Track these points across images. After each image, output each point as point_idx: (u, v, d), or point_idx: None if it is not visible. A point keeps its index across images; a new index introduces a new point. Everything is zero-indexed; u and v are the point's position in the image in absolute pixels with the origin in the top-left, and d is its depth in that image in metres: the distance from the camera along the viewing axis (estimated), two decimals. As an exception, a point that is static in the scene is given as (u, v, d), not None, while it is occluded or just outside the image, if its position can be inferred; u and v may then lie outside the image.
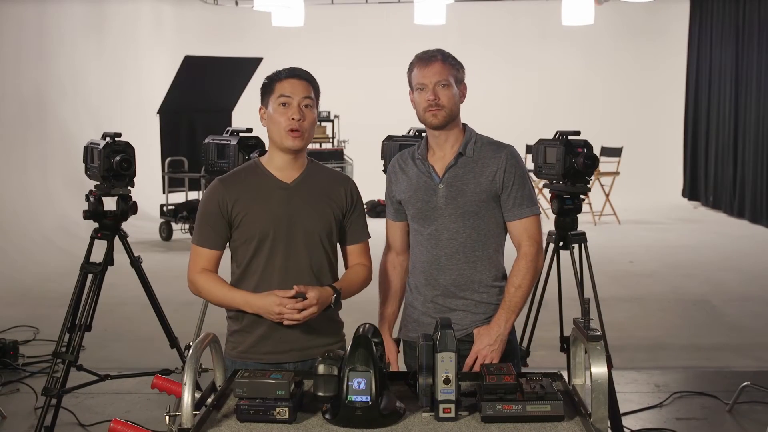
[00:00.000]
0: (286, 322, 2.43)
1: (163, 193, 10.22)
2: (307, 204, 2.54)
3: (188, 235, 9.63)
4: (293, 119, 2.47)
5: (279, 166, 2.55)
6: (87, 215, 4.14)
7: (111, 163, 4.06)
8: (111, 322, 5.91)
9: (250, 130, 4.23)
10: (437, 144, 2.65)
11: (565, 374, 2.34)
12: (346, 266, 2.68)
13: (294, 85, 2.50)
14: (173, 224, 9.87)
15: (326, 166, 2.72)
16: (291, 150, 2.52)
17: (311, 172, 2.60)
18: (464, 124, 2.68)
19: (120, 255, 4.11)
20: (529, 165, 3.66)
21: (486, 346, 2.56)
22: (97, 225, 4.14)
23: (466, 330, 2.61)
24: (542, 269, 2.79)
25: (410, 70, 2.64)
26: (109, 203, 4.13)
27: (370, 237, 2.71)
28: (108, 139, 4.11)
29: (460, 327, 2.59)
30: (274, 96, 2.50)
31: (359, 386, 1.97)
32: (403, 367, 2.75)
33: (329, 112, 11.87)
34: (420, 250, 2.67)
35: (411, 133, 3.99)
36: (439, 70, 2.56)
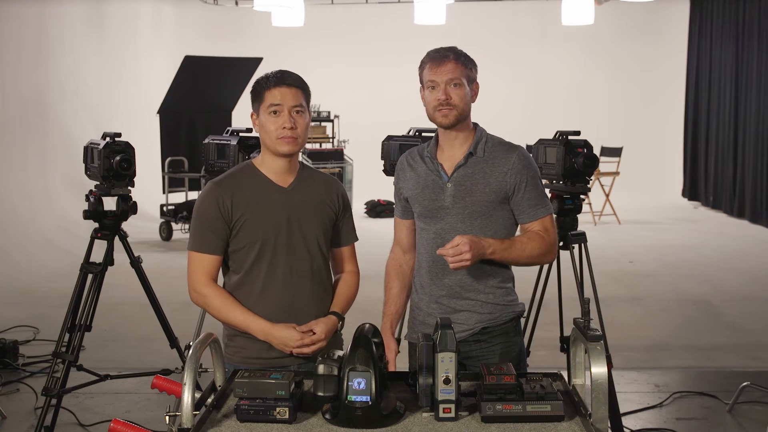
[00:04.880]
0: (295, 353, 2.48)
1: (163, 193, 10.22)
2: (305, 209, 2.54)
3: (188, 235, 9.60)
4: (284, 128, 2.46)
5: (274, 169, 2.54)
6: (87, 215, 4.14)
7: (111, 163, 4.06)
8: (111, 322, 5.91)
9: (250, 130, 4.22)
10: (447, 142, 2.62)
11: (565, 374, 2.34)
12: (335, 270, 2.69)
13: (283, 93, 2.47)
14: (173, 224, 9.86)
15: (316, 170, 2.72)
16: (285, 155, 2.51)
17: (304, 177, 2.59)
18: (475, 124, 2.65)
19: (120, 255, 4.11)
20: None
21: (463, 252, 2.38)
22: (97, 225, 4.14)
23: (472, 330, 2.60)
24: (551, 261, 2.78)
25: (422, 68, 2.60)
26: (109, 203, 4.13)
27: (357, 239, 2.72)
28: (108, 139, 4.11)
29: (466, 327, 2.59)
30: (264, 105, 2.48)
31: (359, 386, 1.97)
32: (404, 368, 2.74)
33: (329, 112, 11.86)
34: (426, 249, 2.64)
35: (411, 133, 4.01)
36: (451, 69, 2.53)
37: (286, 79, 2.49)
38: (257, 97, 2.51)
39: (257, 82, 2.53)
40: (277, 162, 2.54)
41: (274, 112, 2.47)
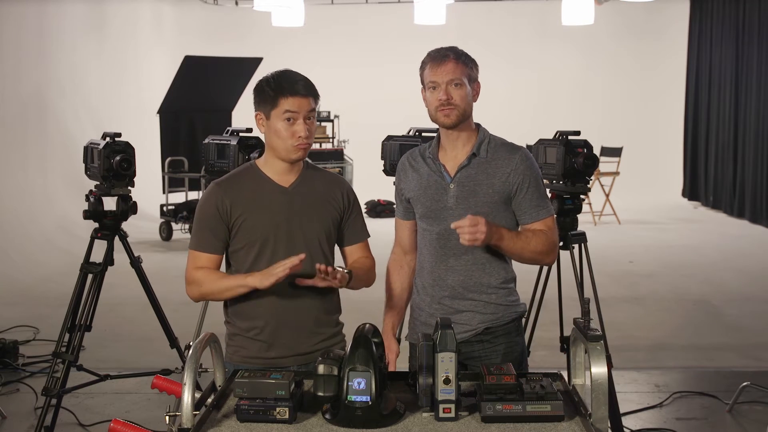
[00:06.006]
0: (281, 275, 2.36)
1: (163, 193, 10.22)
2: (306, 208, 2.53)
3: (188, 235, 9.62)
4: (300, 137, 2.46)
5: (277, 170, 2.54)
6: (87, 215, 4.14)
7: (111, 163, 4.06)
8: (111, 322, 5.91)
9: (250, 130, 4.23)
10: (449, 143, 2.62)
11: (565, 374, 2.34)
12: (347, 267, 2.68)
13: (300, 103, 2.46)
14: (173, 224, 9.87)
15: (321, 169, 2.70)
16: (296, 161, 2.52)
17: (307, 176, 2.58)
18: (477, 124, 2.65)
19: (120, 255, 4.11)
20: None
21: (480, 224, 2.40)
22: (97, 225, 4.14)
23: (474, 330, 2.59)
24: (551, 263, 2.78)
25: (422, 68, 2.60)
26: (109, 203, 4.13)
27: (369, 236, 2.71)
28: (108, 139, 4.11)
29: (469, 327, 2.59)
30: (278, 110, 2.46)
31: (359, 386, 1.97)
32: (404, 369, 2.73)
33: (329, 112, 11.87)
34: (428, 249, 2.64)
35: (411, 133, 4.00)
36: (452, 69, 2.53)
37: (300, 89, 2.47)
38: (268, 101, 2.48)
39: (266, 83, 2.49)
40: (280, 163, 2.54)
41: (289, 119, 2.46)
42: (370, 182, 8.35)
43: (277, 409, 1.99)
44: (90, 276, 4.06)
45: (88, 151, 4.22)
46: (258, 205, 2.51)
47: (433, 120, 2.60)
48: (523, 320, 2.79)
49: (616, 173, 11.20)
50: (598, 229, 10.31)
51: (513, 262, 2.67)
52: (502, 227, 2.50)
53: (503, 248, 2.52)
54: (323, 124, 11.94)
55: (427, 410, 2.02)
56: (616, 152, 11.33)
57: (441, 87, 2.53)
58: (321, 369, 2.03)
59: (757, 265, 8.35)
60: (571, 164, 3.87)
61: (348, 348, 2.07)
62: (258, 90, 2.52)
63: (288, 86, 2.46)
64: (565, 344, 3.85)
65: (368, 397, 1.97)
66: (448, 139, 2.62)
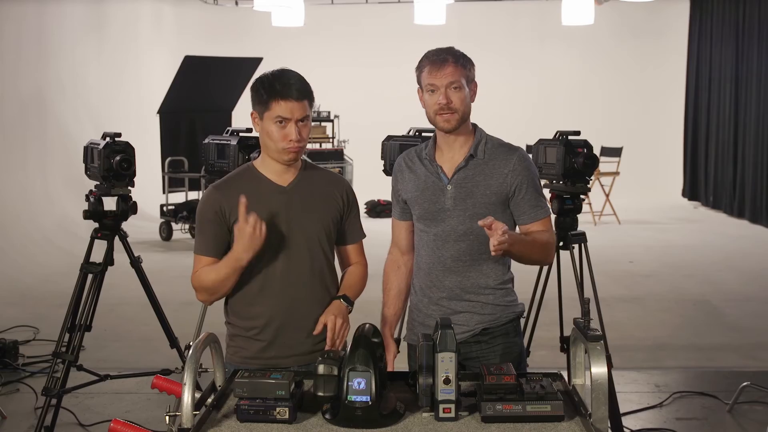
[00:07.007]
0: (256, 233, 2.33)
1: (163, 193, 10.22)
2: (305, 207, 2.53)
3: (188, 235, 9.63)
4: (291, 140, 2.44)
5: (275, 170, 2.53)
6: (87, 215, 4.14)
7: (111, 163, 4.06)
8: (111, 322, 5.91)
9: (250, 130, 4.22)
10: (447, 144, 2.61)
11: (565, 374, 2.34)
12: (343, 266, 2.69)
13: (292, 107, 2.43)
14: (173, 224, 9.87)
15: (320, 168, 2.69)
16: (288, 163, 2.51)
17: (306, 175, 2.57)
18: (474, 124, 2.64)
19: (120, 255, 4.11)
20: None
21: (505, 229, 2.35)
22: (97, 225, 4.14)
23: (472, 331, 2.59)
24: (549, 263, 2.78)
25: (420, 70, 2.58)
26: (109, 203, 4.13)
27: (365, 236, 2.71)
28: (108, 139, 4.11)
29: (467, 328, 2.58)
30: (270, 113, 2.45)
31: (359, 386, 1.97)
32: (403, 369, 2.73)
33: (329, 112, 11.86)
34: (425, 251, 2.64)
35: (411, 133, 4.01)
36: (451, 73, 2.51)
37: (293, 92, 2.44)
38: (261, 102, 2.47)
39: (261, 84, 2.47)
40: (276, 163, 2.53)
41: (280, 122, 2.45)
42: (370, 182, 8.36)
43: (277, 409, 1.99)
44: (90, 276, 4.06)
45: (88, 151, 4.22)
46: (256, 206, 2.50)
47: (432, 123, 2.59)
48: (523, 320, 2.79)
49: (616, 173, 11.20)
50: (598, 229, 10.31)
51: (511, 262, 2.67)
52: (513, 232, 2.48)
53: (514, 252, 2.48)
54: (323, 124, 11.94)
55: (427, 410, 2.03)
56: (616, 152, 11.33)
57: (440, 90, 2.51)
58: (321, 369, 2.03)
59: (757, 265, 8.35)
60: (571, 164, 3.87)
61: (348, 348, 2.07)
62: (253, 89, 2.51)
63: (281, 90, 2.43)
64: (565, 344, 3.85)
65: (368, 397, 1.97)
66: (445, 141, 2.61)
